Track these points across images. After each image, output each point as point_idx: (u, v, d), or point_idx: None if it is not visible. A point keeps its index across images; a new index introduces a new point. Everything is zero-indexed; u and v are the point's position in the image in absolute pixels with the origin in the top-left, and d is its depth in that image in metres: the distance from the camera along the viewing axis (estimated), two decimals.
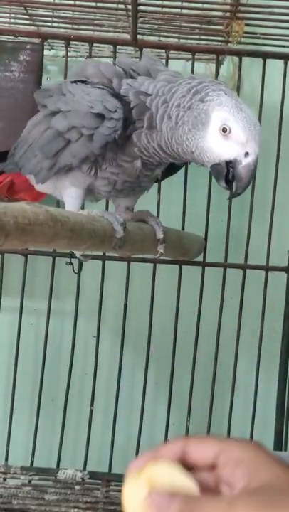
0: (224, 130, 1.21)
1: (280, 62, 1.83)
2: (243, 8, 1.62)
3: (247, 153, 1.22)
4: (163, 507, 0.65)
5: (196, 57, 1.83)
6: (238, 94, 1.83)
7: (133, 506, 0.68)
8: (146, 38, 1.81)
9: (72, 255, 1.82)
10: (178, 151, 1.30)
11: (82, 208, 1.50)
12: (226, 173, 1.25)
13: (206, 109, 1.23)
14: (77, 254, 1.42)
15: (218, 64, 1.86)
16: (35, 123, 1.47)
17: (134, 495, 0.68)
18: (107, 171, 1.39)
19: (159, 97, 1.29)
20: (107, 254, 1.88)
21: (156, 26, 1.75)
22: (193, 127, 1.24)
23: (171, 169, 1.52)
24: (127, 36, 1.77)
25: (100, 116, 1.29)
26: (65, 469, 1.83)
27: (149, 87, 1.31)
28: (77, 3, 1.76)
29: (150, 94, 1.31)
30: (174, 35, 1.81)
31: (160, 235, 1.44)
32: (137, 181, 1.42)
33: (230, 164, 1.24)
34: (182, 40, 1.83)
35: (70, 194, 1.42)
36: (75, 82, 1.39)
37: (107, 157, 1.36)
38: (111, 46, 1.82)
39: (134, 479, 0.69)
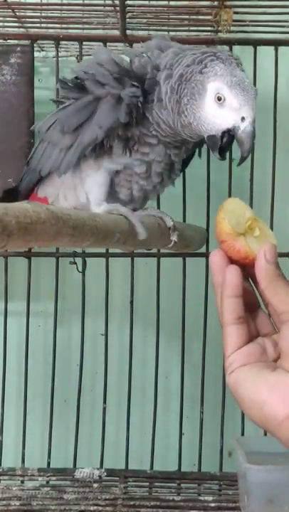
0: (219, 99, 1.27)
1: (271, 49, 1.83)
2: None
3: (243, 118, 1.26)
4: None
5: None
6: None
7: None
8: (135, 33, 1.81)
9: (75, 254, 1.82)
10: (177, 125, 1.34)
11: None
12: (220, 143, 1.31)
13: (202, 79, 1.28)
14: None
15: None
16: (52, 118, 1.47)
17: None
18: (139, 152, 1.41)
19: (166, 71, 1.33)
20: (110, 251, 1.89)
21: (144, 20, 1.75)
22: (191, 98, 1.30)
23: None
24: (117, 32, 1.77)
25: (121, 81, 1.32)
26: (82, 468, 1.84)
27: (160, 60, 1.35)
28: (65, 1, 1.76)
29: (159, 69, 1.34)
30: (163, 28, 1.81)
31: (170, 223, 1.48)
32: (170, 160, 1.46)
33: (230, 132, 1.28)
34: (172, 33, 1.82)
35: (95, 180, 1.43)
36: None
37: (134, 134, 1.38)
38: (101, 43, 1.82)
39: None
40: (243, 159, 1.32)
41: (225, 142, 1.30)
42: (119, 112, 1.33)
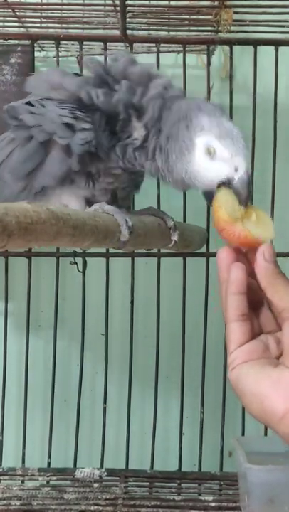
0: (209, 152, 1.22)
1: (271, 49, 1.83)
2: None
3: (236, 169, 1.21)
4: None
5: (186, 48, 1.82)
6: (231, 84, 1.84)
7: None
8: (135, 32, 1.81)
9: (75, 254, 1.82)
10: (168, 179, 1.32)
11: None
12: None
13: (189, 135, 1.24)
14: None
15: (209, 54, 1.85)
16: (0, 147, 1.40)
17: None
18: (104, 181, 1.38)
19: (154, 121, 1.29)
20: (110, 251, 1.89)
21: (145, 20, 1.75)
22: (180, 154, 1.26)
23: None
24: (117, 32, 1.77)
25: (71, 128, 1.27)
26: (83, 468, 1.84)
27: (147, 102, 1.29)
28: (65, 1, 1.76)
29: (142, 111, 1.29)
30: (163, 28, 1.81)
31: (171, 223, 1.47)
32: (134, 183, 1.45)
33: (225, 184, 1.22)
34: (172, 33, 1.83)
35: (69, 199, 1.39)
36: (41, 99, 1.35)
37: (99, 168, 1.34)
38: (101, 43, 1.82)
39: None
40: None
41: None
42: (70, 161, 1.29)
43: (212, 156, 1.22)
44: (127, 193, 1.46)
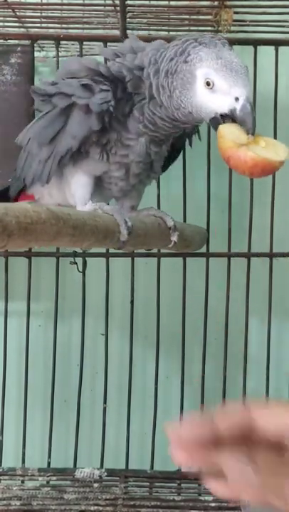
0: (208, 84, 1.25)
1: (271, 49, 1.83)
2: None
3: (237, 98, 1.23)
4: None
5: None
6: None
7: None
8: (135, 32, 1.81)
9: (75, 254, 1.82)
10: (179, 116, 1.34)
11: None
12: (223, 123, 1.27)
13: (189, 68, 1.27)
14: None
15: None
16: (30, 130, 1.49)
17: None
18: (117, 155, 1.41)
19: (152, 67, 1.33)
20: (110, 251, 1.89)
21: (145, 20, 1.75)
22: (183, 89, 1.29)
23: (173, 151, 1.56)
24: (117, 32, 1.77)
25: (89, 89, 1.33)
26: (83, 468, 1.84)
27: (142, 59, 1.35)
28: (65, 1, 1.76)
29: (143, 67, 1.34)
30: (163, 28, 1.81)
31: (171, 223, 1.48)
32: (150, 160, 1.45)
33: (229, 115, 1.25)
34: (172, 33, 1.83)
35: (79, 182, 1.43)
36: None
37: (112, 138, 1.38)
38: (101, 43, 1.82)
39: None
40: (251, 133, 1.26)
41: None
42: (90, 121, 1.34)
43: (211, 87, 1.25)
44: (140, 169, 1.45)
